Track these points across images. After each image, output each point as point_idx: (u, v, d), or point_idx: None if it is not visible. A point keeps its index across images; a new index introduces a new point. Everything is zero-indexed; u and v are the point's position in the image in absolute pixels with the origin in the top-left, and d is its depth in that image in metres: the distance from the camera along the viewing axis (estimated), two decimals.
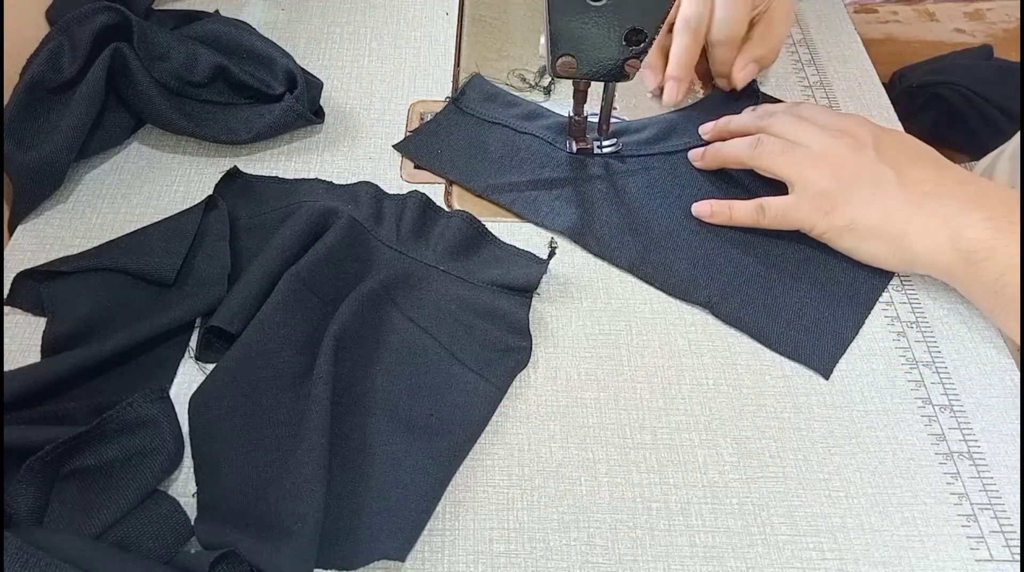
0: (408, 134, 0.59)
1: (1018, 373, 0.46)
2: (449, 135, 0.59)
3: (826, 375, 0.46)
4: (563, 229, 0.52)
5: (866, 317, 0.48)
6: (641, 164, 0.56)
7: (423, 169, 0.56)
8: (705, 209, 0.52)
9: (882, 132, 0.50)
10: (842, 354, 0.47)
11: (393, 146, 0.58)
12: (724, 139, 0.55)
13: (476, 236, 0.51)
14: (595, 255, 0.52)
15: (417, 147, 0.58)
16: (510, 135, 0.58)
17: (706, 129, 0.57)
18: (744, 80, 0.59)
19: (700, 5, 0.56)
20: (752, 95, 0.61)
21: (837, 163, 0.49)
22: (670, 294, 0.49)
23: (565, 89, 0.58)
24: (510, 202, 0.54)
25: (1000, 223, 0.44)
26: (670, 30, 0.58)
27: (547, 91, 0.62)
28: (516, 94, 0.62)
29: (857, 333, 0.48)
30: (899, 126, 0.60)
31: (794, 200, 0.49)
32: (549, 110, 0.60)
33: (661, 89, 0.60)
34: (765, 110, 0.54)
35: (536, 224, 0.53)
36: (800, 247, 0.51)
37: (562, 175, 0.56)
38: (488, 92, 0.61)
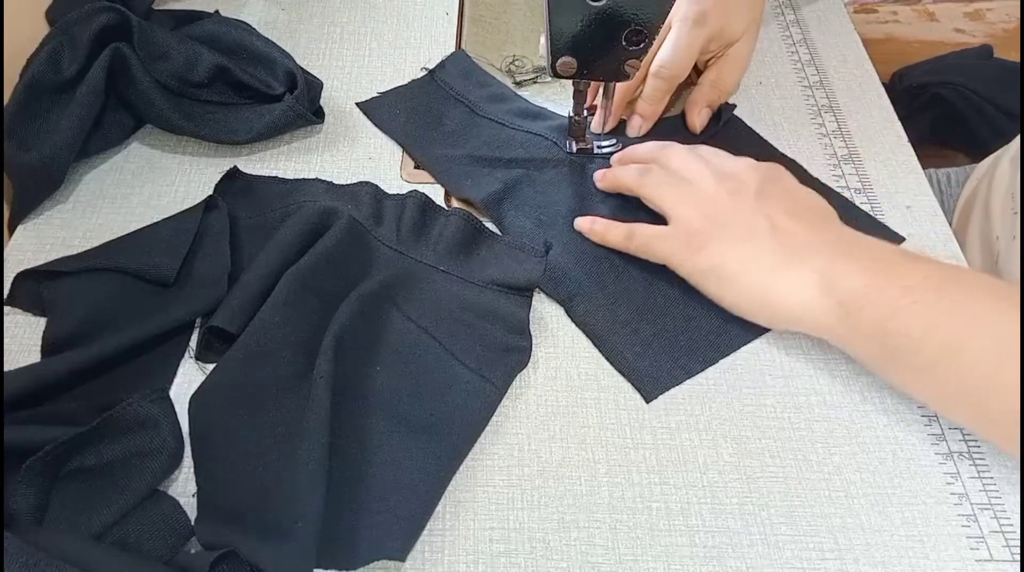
0: (376, 94, 0.61)
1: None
2: (413, 101, 0.60)
3: (647, 399, 0.45)
4: (478, 199, 0.53)
5: (709, 365, 0.46)
6: (597, 163, 0.57)
7: (421, 169, 0.57)
8: (586, 224, 0.52)
9: (769, 182, 0.48)
10: (669, 388, 0.45)
11: (356, 104, 0.60)
12: (626, 164, 0.54)
13: (475, 234, 0.51)
14: (495, 224, 0.52)
15: (380, 107, 0.60)
16: (468, 114, 0.59)
17: (615, 156, 0.56)
18: (700, 125, 0.58)
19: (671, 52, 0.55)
20: (717, 119, 0.60)
21: (714, 203, 0.47)
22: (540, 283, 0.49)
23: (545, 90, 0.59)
24: (440, 171, 0.55)
25: (873, 271, 0.42)
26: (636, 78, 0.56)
27: (517, 84, 0.63)
28: (492, 73, 0.63)
29: (691, 376, 0.46)
30: (899, 126, 0.60)
31: (664, 232, 0.48)
32: (518, 95, 0.61)
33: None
34: (669, 144, 0.53)
35: (455, 195, 0.54)
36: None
37: (502, 155, 0.56)
38: (465, 69, 0.62)
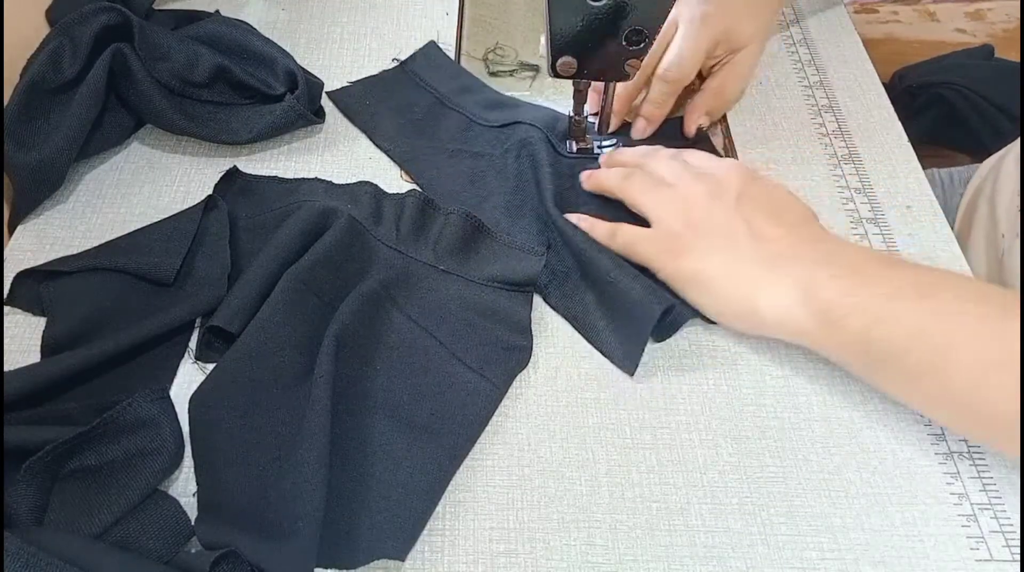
0: (347, 83, 0.61)
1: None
2: (383, 91, 0.61)
3: (630, 372, 0.45)
4: (445, 189, 0.54)
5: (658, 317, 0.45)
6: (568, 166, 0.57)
7: (388, 156, 0.57)
8: (574, 220, 0.51)
9: (751, 184, 0.48)
10: (639, 353, 0.45)
11: (327, 93, 0.60)
12: (613, 167, 0.54)
13: (475, 233, 0.51)
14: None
15: (349, 96, 0.60)
16: (436, 104, 0.60)
17: (602, 158, 0.56)
18: (698, 131, 0.58)
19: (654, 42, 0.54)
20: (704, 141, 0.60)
21: (693, 207, 0.47)
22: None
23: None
24: (407, 159, 0.56)
25: (852, 278, 0.42)
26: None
27: (491, 74, 0.64)
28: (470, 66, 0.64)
29: (651, 327, 0.45)
30: (899, 126, 0.60)
31: (646, 234, 0.48)
32: (487, 86, 0.62)
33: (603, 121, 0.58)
34: (655, 148, 0.54)
35: (419, 184, 0.55)
36: None
37: (469, 148, 0.57)
38: (437, 61, 0.63)
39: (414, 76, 0.62)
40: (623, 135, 0.58)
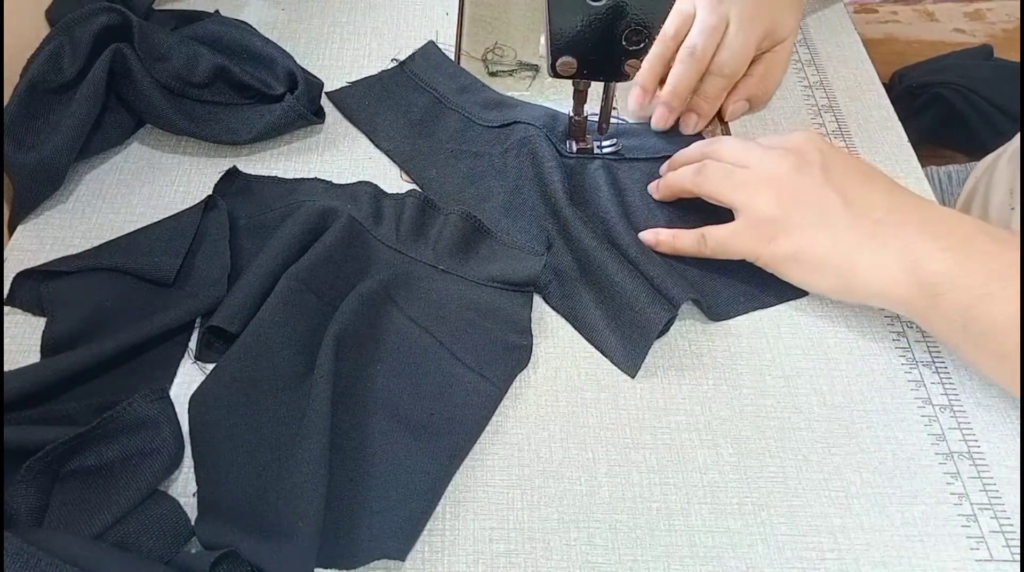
0: (346, 84, 0.62)
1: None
2: (382, 92, 0.61)
3: (631, 373, 0.45)
4: (444, 188, 0.54)
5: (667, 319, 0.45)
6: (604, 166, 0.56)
7: (388, 156, 0.57)
8: (651, 238, 0.50)
9: (832, 152, 0.47)
10: (643, 356, 0.45)
11: (327, 93, 0.60)
12: (676, 168, 0.53)
13: (474, 233, 0.51)
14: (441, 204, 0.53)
15: (348, 97, 0.61)
16: (435, 103, 0.60)
17: (666, 164, 0.55)
18: (735, 115, 0.58)
19: (708, 36, 0.54)
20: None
21: (780, 185, 0.46)
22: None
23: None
24: (405, 159, 0.56)
25: (959, 253, 0.41)
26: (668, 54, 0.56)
27: (491, 74, 0.64)
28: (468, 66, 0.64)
29: (657, 331, 0.45)
30: (899, 126, 0.60)
31: (735, 228, 0.47)
32: (486, 85, 0.62)
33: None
34: (716, 138, 0.53)
35: (419, 183, 0.55)
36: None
37: (468, 147, 0.57)
38: (435, 61, 0.63)
39: (413, 77, 0.62)
40: (623, 135, 0.58)
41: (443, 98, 0.60)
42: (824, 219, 0.44)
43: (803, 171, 0.46)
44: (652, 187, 0.54)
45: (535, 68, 0.65)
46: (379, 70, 0.63)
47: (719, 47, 0.55)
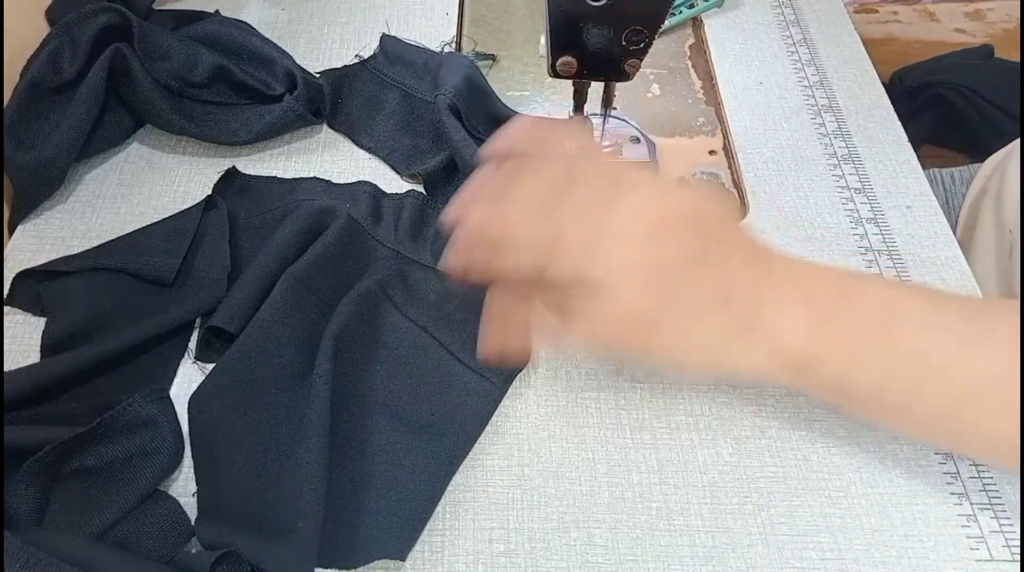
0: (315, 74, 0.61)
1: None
2: (351, 90, 0.61)
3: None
4: (428, 173, 0.54)
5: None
6: None
7: (370, 154, 0.57)
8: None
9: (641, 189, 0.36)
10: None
11: (320, 73, 0.60)
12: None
13: None
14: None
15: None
16: (406, 96, 0.60)
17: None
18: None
19: None
20: None
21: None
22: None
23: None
24: (388, 154, 0.56)
25: (817, 324, 0.36)
26: None
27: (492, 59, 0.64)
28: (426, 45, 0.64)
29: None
30: (899, 126, 0.60)
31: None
32: (446, 58, 0.60)
33: None
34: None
35: (405, 174, 0.55)
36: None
37: (449, 135, 0.56)
38: (394, 54, 0.63)
39: (378, 74, 0.62)
40: (621, 136, 0.58)
41: (412, 89, 0.60)
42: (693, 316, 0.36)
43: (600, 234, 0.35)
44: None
45: (492, 57, 0.66)
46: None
47: None
